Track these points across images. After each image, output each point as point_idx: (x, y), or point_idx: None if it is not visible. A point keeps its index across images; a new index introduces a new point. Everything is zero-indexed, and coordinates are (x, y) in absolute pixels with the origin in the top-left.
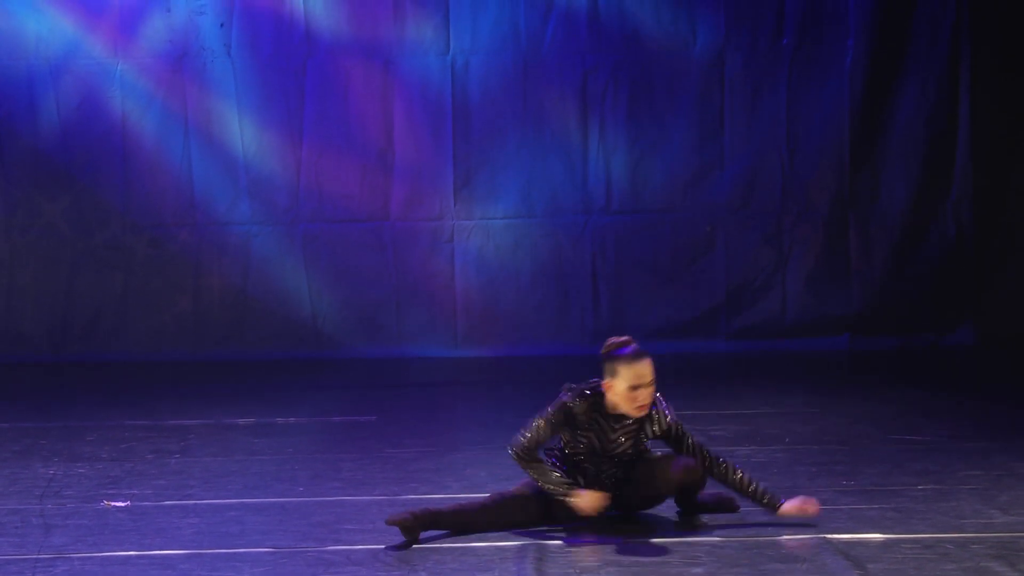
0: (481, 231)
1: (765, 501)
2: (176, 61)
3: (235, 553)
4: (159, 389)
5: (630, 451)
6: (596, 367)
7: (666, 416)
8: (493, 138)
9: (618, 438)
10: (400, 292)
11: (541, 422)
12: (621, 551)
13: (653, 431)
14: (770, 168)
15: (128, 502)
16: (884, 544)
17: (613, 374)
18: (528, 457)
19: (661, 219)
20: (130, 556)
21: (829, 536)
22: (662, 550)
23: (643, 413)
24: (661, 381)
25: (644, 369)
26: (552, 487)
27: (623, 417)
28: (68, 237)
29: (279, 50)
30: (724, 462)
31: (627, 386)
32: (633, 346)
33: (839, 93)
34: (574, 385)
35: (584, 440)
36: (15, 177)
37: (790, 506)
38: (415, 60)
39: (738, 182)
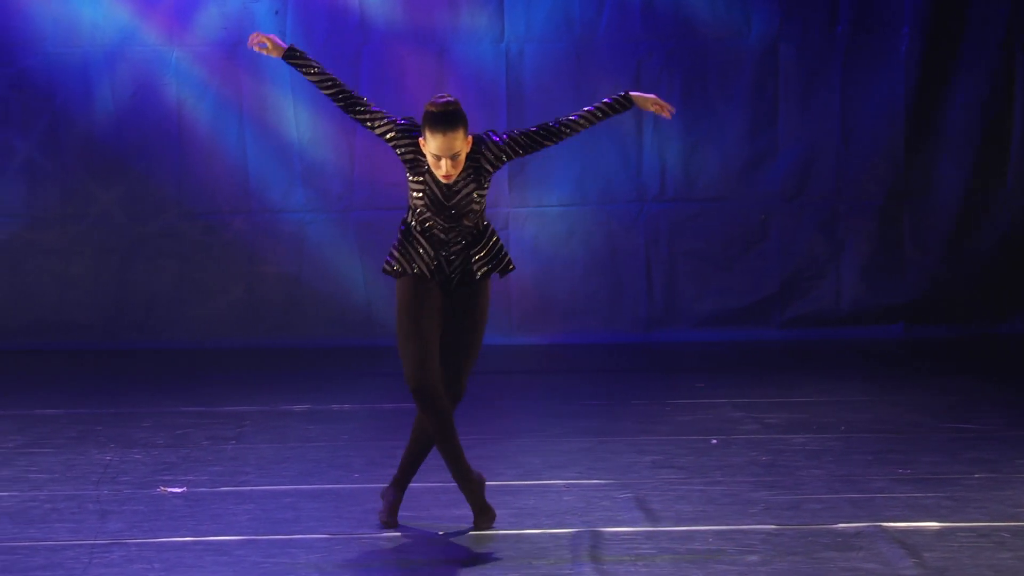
0: (535, 219)
1: (617, 105)
2: (231, 48)
3: (290, 539)
4: (214, 376)
5: (475, 201)
6: (650, 356)
7: (496, 142)
8: None
9: (466, 182)
10: None
11: (382, 117)
12: (675, 539)
13: (491, 164)
14: (824, 157)
15: (184, 488)
16: (940, 532)
17: (422, 132)
18: (338, 84)
19: (715, 207)
20: (185, 542)
21: (885, 524)
22: (717, 538)
23: (449, 180)
24: (714, 372)
25: (440, 143)
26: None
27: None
28: (123, 225)
29: (334, 38)
30: (568, 118)
31: (430, 152)
32: (441, 110)
33: (893, 82)
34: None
35: (423, 187)
36: (70, 165)
37: (639, 94)
38: (469, 48)
39: (792, 171)
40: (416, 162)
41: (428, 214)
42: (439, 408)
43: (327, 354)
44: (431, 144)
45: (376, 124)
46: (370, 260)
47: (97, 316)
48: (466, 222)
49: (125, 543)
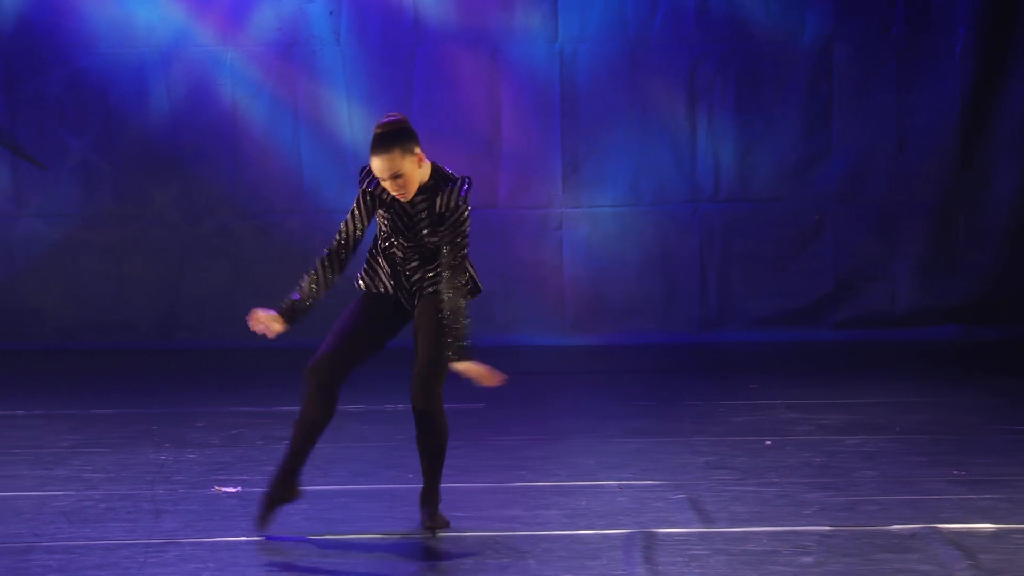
0: (589, 219)
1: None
2: (286, 49)
3: (344, 539)
4: (268, 376)
5: (433, 230)
6: (704, 356)
7: (458, 197)
8: (601, 126)
9: (420, 210)
10: (508, 280)
11: (350, 213)
12: (729, 540)
13: (443, 202)
14: (879, 158)
15: (238, 488)
16: (995, 534)
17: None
18: (326, 262)
19: (769, 208)
20: (239, 542)
21: (940, 526)
22: (771, 539)
23: (404, 199)
24: (768, 373)
25: (377, 165)
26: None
27: (422, 187)
28: (177, 225)
29: (388, 38)
30: (452, 279)
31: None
32: (378, 132)
33: (949, 83)
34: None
35: (388, 218)
36: (125, 165)
37: (466, 367)
38: (523, 48)
39: (846, 172)
40: (381, 199)
41: (391, 239)
42: (313, 402)
43: (381, 353)
44: (372, 166)
45: (361, 220)
46: None
47: (151, 315)
48: (419, 260)
49: (180, 542)
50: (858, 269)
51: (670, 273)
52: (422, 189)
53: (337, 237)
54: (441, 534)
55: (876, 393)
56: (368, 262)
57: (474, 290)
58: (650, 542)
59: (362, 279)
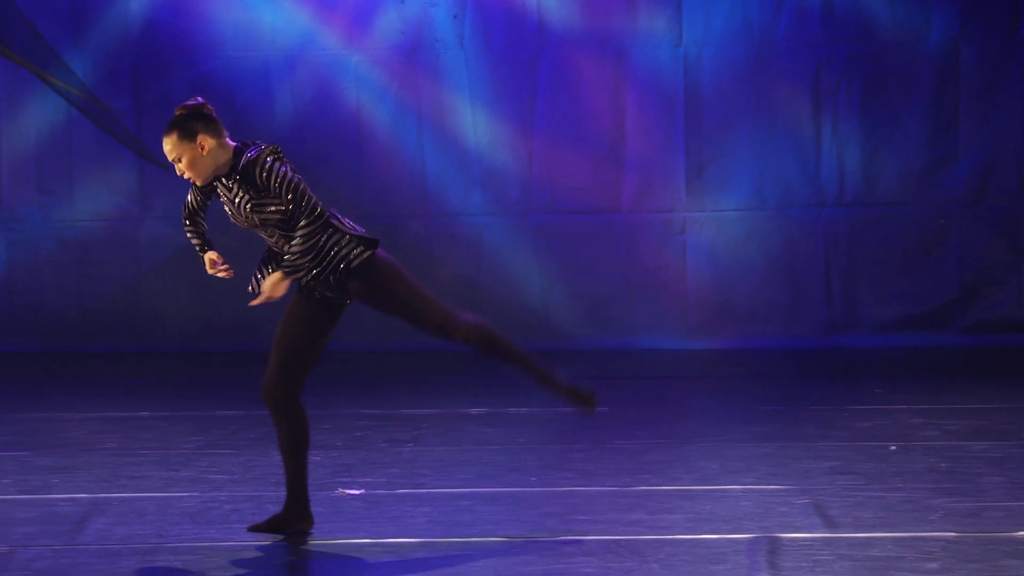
0: (713, 223)
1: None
2: (410, 53)
3: (467, 542)
4: (391, 378)
5: (262, 212)
6: (829, 361)
7: (263, 160)
8: (725, 130)
9: (237, 192)
10: (631, 284)
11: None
12: (854, 545)
13: (256, 174)
14: (1005, 161)
15: (362, 490)
16: None
17: None
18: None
19: (894, 212)
20: (364, 544)
21: None
22: (896, 544)
23: (197, 183)
24: (893, 377)
25: (164, 147)
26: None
27: (228, 172)
28: None
29: (512, 42)
30: (301, 243)
31: None
32: (172, 117)
33: None
34: None
35: (223, 204)
36: None
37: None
38: (647, 52)
39: (973, 175)
40: (211, 188)
41: (236, 225)
42: (276, 423)
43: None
44: None
45: (197, 195)
46: (547, 263)
47: (275, 318)
48: (278, 232)
49: (304, 544)
50: (984, 273)
51: (794, 277)
52: (230, 171)
53: (191, 196)
54: (526, 538)
55: (1002, 398)
56: (258, 267)
57: (368, 241)
58: (774, 547)
59: (252, 282)
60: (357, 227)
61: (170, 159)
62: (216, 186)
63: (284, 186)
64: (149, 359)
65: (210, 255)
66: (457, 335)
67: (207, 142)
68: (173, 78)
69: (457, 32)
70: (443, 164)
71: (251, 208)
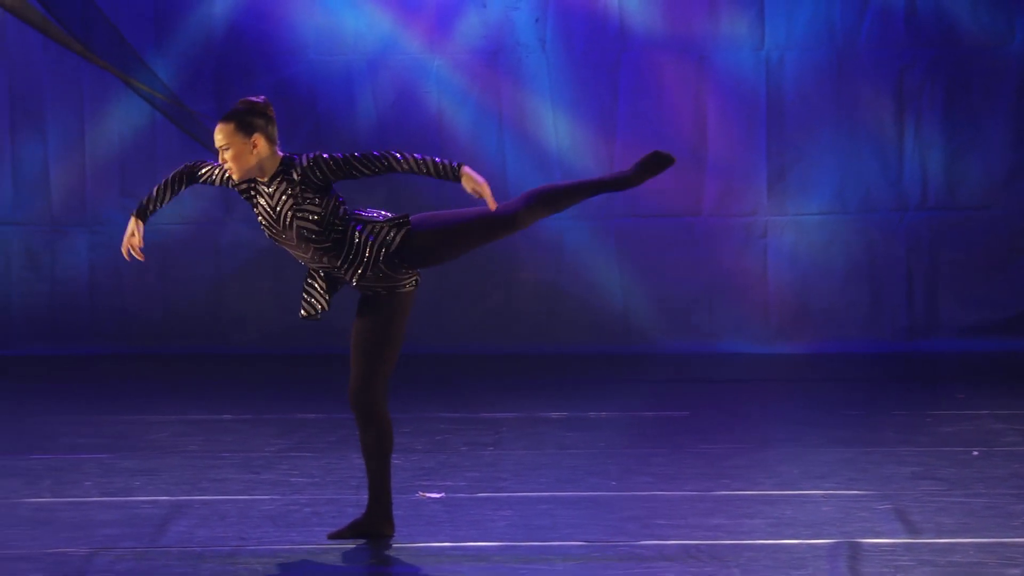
0: (794, 227)
1: (444, 171)
2: (491, 57)
3: (547, 546)
4: (472, 382)
5: (301, 220)
6: (911, 366)
7: (300, 162)
8: (807, 134)
9: (279, 197)
10: (712, 288)
11: (219, 167)
12: (936, 551)
13: (298, 173)
14: None
15: (442, 493)
16: None
17: None
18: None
19: (977, 216)
20: (444, 547)
21: None
22: (978, 551)
23: (234, 176)
24: (975, 382)
25: (216, 133)
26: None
27: (271, 177)
28: None
29: (593, 45)
30: (393, 154)
31: None
32: (233, 107)
33: None
34: None
35: (258, 214)
36: None
37: (472, 173)
38: (729, 55)
39: None
40: (240, 188)
41: (286, 249)
42: (358, 427)
43: (584, 361)
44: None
45: (210, 172)
46: (628, 267)
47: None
48: (316, 245)
49: (385, 547)
50: None
51: (876, 281)
52: (273, 177)
53: (200, 165)
54: (606, 542)
55: None
56: (304, 287)
57: (399, 222)
58: (855, 552)
59: (303, 305)
60: (383, 213)
61: (217, 145)
62: (250, 191)
63: (324, 159)
64: (230, 362)
65: (139, 225)
66: (520, 226)
67: (260, 142)
68: (256, 82)
69: (539, 35)
70: (524, 168)
71: (292, 215)
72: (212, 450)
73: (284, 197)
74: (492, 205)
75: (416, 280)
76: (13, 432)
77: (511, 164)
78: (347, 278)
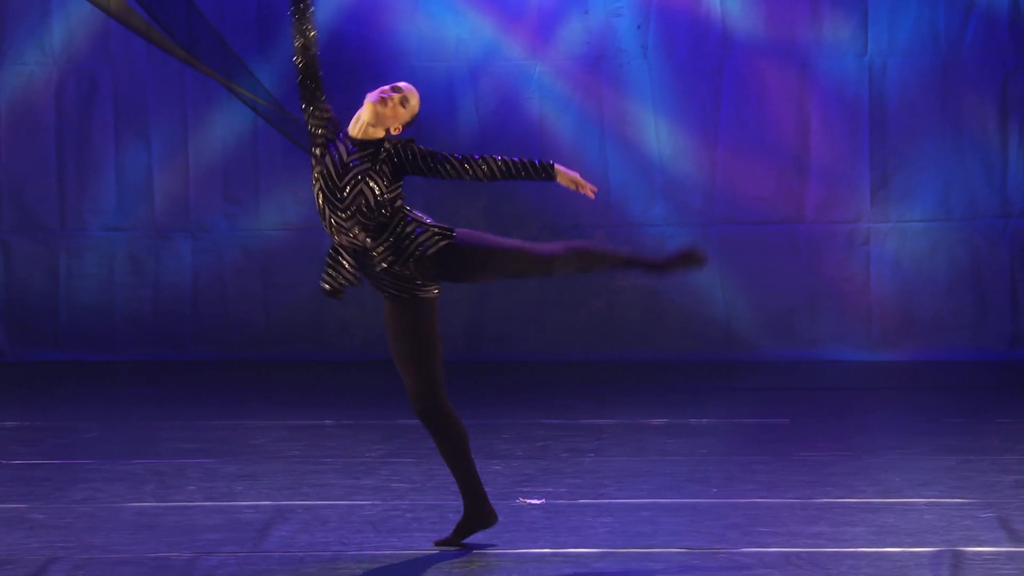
0: (897, 234)
1: (537, 171)
2: (593, 63)
3: (648, 553)
4: (573, 388)
5: (366, 189)
6: (1015, 373)
7: (402, 140)
8: (910, 141)
9: (360, 156)
10: (814, 294)
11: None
12: None
13: (397, 150)
14: None
15: (542, 500)
16: None
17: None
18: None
19: None
20: (544, 553)
21: None
22: None
23: (368, 117)
24: None
25: (405, 88)
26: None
27: (365, 143)
28: None
29: (695, 51)
30: (475, 159)
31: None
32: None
33: None
34: None
35: (319, 171)
36: (434, 178)
37: (564, 169)
38: (832, 62)
39: None
40: (323, 138)
41: (327, 210)
42: (428, 431)
43: (685, 368)
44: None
45: (324, 110)
46: (729, 274)
47: (458, 327)
48: (360, 219)
49: (484, 554)
50: None
51: (979, 289)
52: (368, 142)
53: (326, 108)
54: (707, 549)
55: None
56: (327, 260)
57: (444, 231)
58: (958, 561)
59: (325, 278)
60: (431, 219)
61: (396, 96)
62: (334, 138)
63: (416, 146)
64: (332, 368)
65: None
66: (551, 271)
67: (401, 121)
68: (358, 88)
69: (640, 42)
70: (626, 174)
71: (360, 177)
72: (314, 455)
73: (364, 157)
74: (590, 194)
75: (437, 290)
76: (117, 437)
77: (613, 171)
78: (377, 259)
